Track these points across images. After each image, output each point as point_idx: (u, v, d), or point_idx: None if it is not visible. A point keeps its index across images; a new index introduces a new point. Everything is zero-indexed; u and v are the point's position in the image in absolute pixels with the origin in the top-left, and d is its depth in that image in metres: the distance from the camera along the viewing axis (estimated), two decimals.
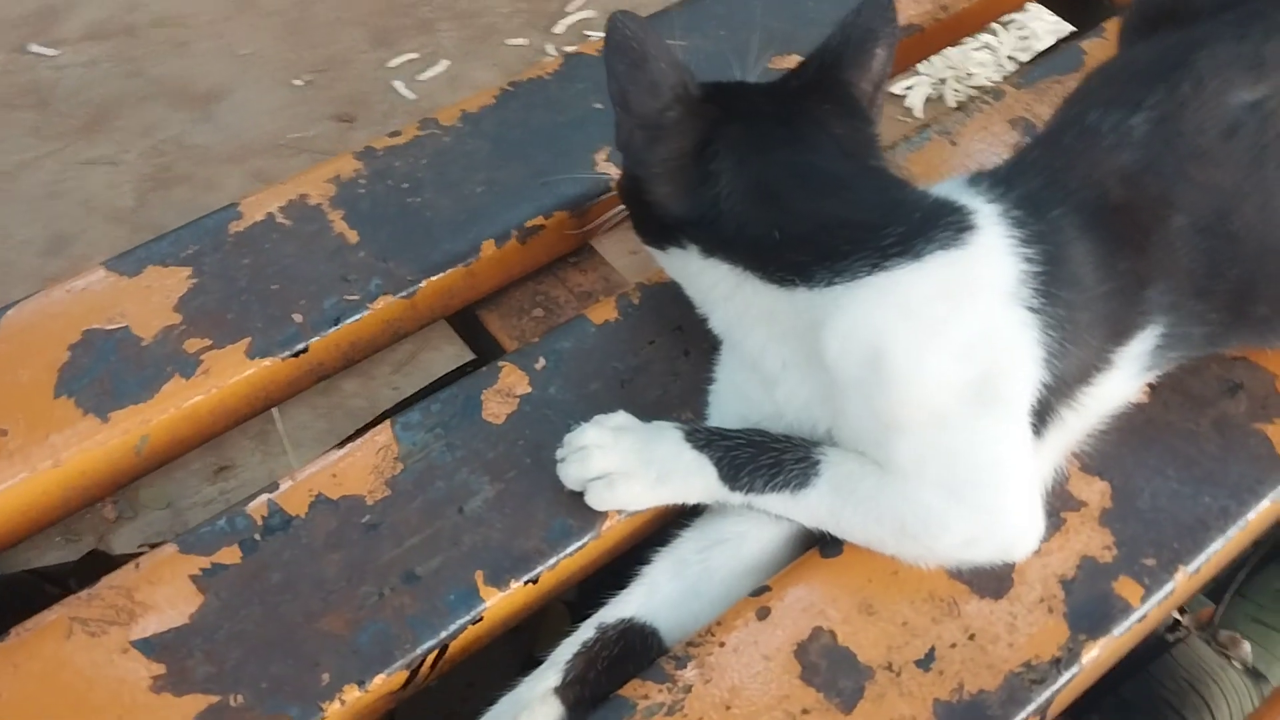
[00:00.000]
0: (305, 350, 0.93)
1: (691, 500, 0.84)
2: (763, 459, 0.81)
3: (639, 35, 0.83)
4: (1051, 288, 0.81)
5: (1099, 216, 0.85)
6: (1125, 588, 0.82)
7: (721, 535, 0.85)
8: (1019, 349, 0.80)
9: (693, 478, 0.82)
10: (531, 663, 0.97)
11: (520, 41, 2.48)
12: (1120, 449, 0.89)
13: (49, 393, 0.89)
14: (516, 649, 0.98)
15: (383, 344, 0.99)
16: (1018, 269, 0.81)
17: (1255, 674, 1.15)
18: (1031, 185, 0.86)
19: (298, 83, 2.38)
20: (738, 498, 0.82)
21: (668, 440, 0.83)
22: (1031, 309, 0.80)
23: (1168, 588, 0.83)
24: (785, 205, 0.82)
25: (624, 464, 0.83)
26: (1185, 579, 0.84)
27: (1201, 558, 0.84)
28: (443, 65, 2.42)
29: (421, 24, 2.51)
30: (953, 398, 0.78)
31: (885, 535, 0.81)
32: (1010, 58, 2.43)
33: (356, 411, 1.81)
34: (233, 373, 0.91)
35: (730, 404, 0.88)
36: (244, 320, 0.94)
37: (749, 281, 0.83)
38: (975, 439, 0.79)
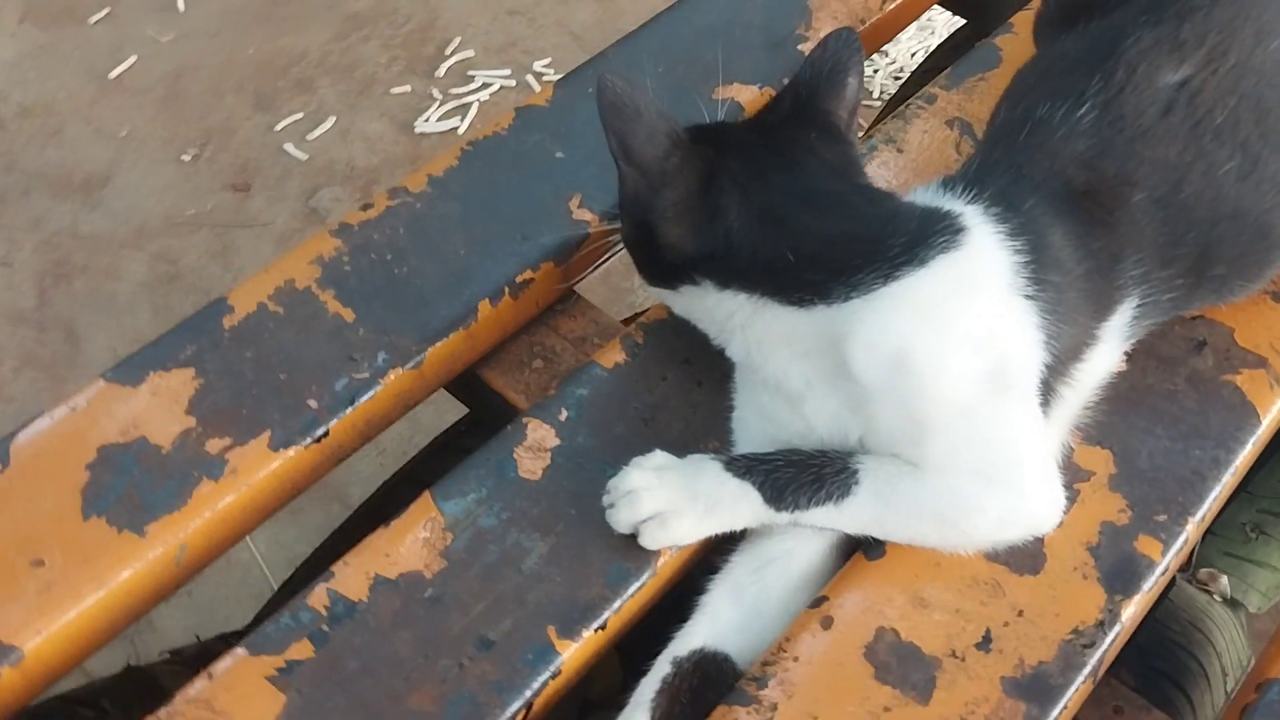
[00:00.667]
0: (326, 434, 0.94)
1: (739, 526, 0.87)
2: (804, 477, 0.85)
3: (629, 91, 0.86)
4: (1040, 274, 0.87)
5: (1067, 203, 0.92)
6: (1146, 545, 0.89)
7: (770, 555, 0.89)
8: (1023, 335, 0.86)
9: (739, 505, 0.85)
10: (589, 707, 0.99)
11: (404, 89, 2.48)
12: (1113, 417, 0.95)
13: (77, 516, 0.87)
14: (572, 696, 0.99)
15: (395, 417, 1.00)
16: (1010, 261, 0.87)
17: (1234, 603, 1.23)
18: (1001, 183, 0.92)
19: (184, 158, 2.34)
20: (784, 517, 0.85)
21: (709, 472, 0.86)
22: (1028, 296, 0.86)
23: (1182, 539, 0.90)
24: (794, 228, 0.86)
25: (672, 502, 0.85)
26: (1195, 528, 0.91)
27: (1205, 506, 0.92)
28: (330, 121, 2.40)
29: (300, 83, 2.49)
30: (974, 389, 0.83)
31: (926, 529, 0.86)
32: (912, 54, 2.55)
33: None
34: (260, 467, 0.91)
35: (756, 428, 0.92)
36: (260, 413, 0.93)
37: (767, 307, 0.87)
38: (998, 425, 0.85)
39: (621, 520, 0.86)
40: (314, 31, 2.59)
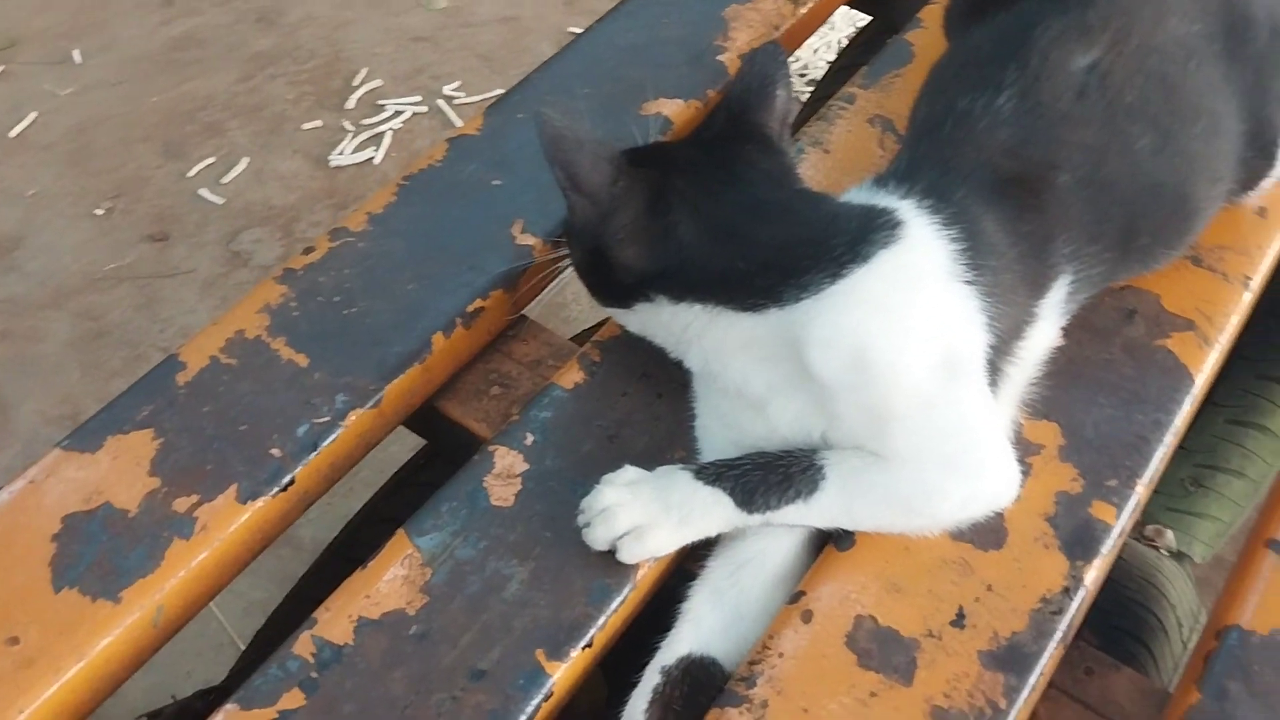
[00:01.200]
0: (293, 482, 0.94)
1: (714, 532, 0.89)
2: (772, 477, 0.87)
3: (566, 124, 0.88)
4: (977, 259, 0.90)
5: (996, 190, 0.95)
6: (1100, 510, 0.93)
7: (746, 556, 0.91)
8: (967, 319, 0.89)
9: (712, 511, 0.87)
10: None
11: (315, 124, 2.46)
12: (1056, 391, 0.99)
13: (48, 589, 0.86)
14: (561, 715, 1.00)
15: (358, 458, 1.00)
16: (947, 249, 0.90)
17: (1180, 556, 1.29)
18: (931, 176, 0.96)
19: (98, 212, 2.30)
20: (757, 519, 0.88)
21: (680, 482, 0.88)
22: (967, 281, 0.89)
23: (1133, 501, 0.94)
24: (743, 237, 0.89)
25: (646, 515, 0.87)
26: (1144, 489, 0.95)
27: (1151, 467, 0.96)
28: (243, 163, 2.38)
29: (209, 128, 2.46)
30: (929, 377, 0.86)
31: (894, 516, 0.89)
32: (815, 50, 2.60)
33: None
34: (230, 521, 0.91)
35: (720, 435, 0.94)
36: (225, 467, 0.93)
37: (723, 315, 0.89)
38: (955, 410, 0.88)
39: (598, 538, 0.88)
40: (219, 74, 2.56)
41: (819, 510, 0.88)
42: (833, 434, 0.89)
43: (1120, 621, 1.08)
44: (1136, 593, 1.11)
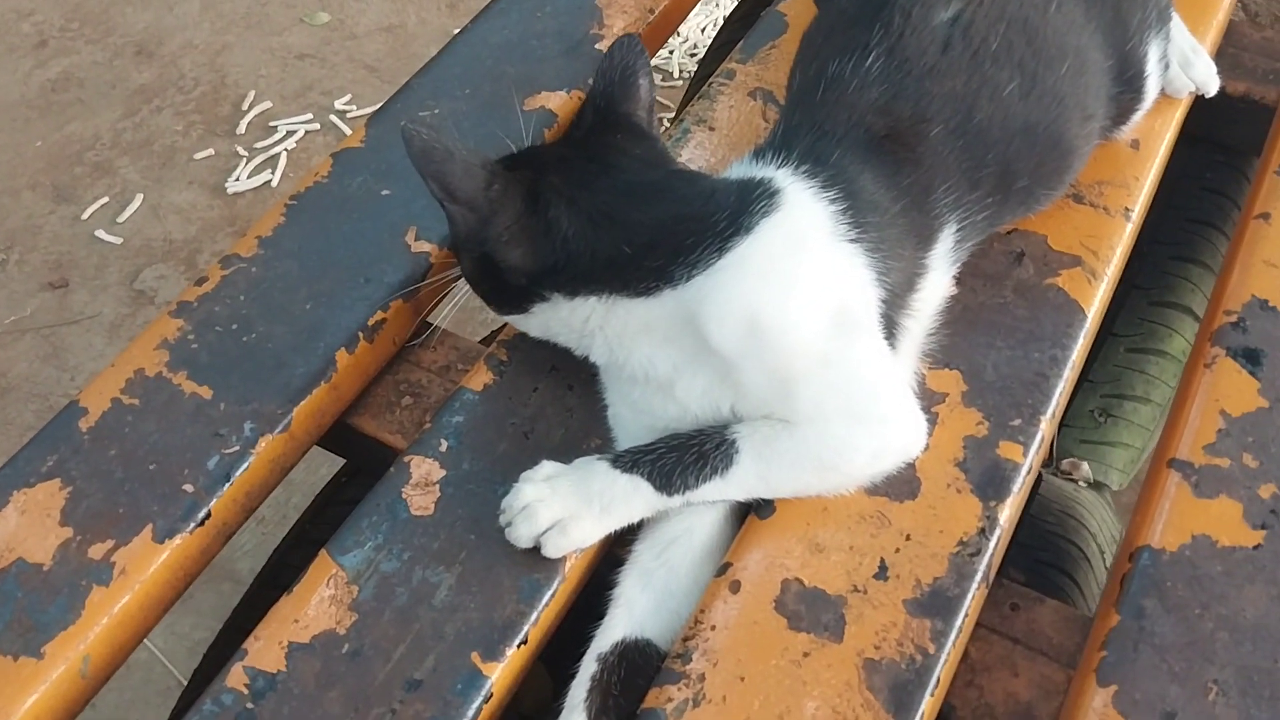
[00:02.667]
0: (209, 515, 0.93)
1: (636, 518, 0.90)
2: (687, 458, 0.88)
3: (433, 136, 0.88)
4: (859, 218, 0.92)
5: (871, 148, 0.97)
6: (1008, 450, 0.95)
7: (671, 535, 0.92)
8: (855, 276, 0.91)
9: (633, 498, 0.88)
10: None
11: (208, 152, 2.42)
12: (954, 339, 1.01)
13: None
14: (506, 714, 1.01)
15: (273, 484, 0.99)
16: (828, 211, 0.92)
17: (1098, 485, 1.32)
18: (806, 142, 0.97)
19: None
20: (677, 500, 0.89)
21: (598, 472, 0.88)
22: (852, 240, 0.91)
23: (1038, 438, 0.96)
24: (624, 221, 0.89)
25: (567, 508, 0.88)
26: (1048, 424, 0.97)
27: (1053, 403, 0.98)
28: (138, 200, 2.34)
29: (97, 167, 2.41)
30: (823, 336, 0.88)
31: (809, 477, 0.91)
32: (703, 30, 2.61)
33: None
34: (149, 562, 0.90)
35: (633, 421, 0.94)
36: (137, 508, 0.92)
37: (618, 304, 0.90)
38: (853, 365, 0.90)
39: (522, 536, 0.88)
40: (101, 112, 2.51)
41: (737, 483, 0.89)
42: (741, 405, 0.90)
43: (1043, 555, 1.11)
44: (1056, 525, 1.14)
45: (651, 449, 0.89)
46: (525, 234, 0.90)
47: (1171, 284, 1.35)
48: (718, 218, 0.89)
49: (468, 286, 1.00)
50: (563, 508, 0.88)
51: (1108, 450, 1.33)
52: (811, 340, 0.88)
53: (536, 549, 0.89)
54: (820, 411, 0.89)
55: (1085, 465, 1.30)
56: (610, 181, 0.92)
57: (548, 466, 0.90)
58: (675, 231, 0.89)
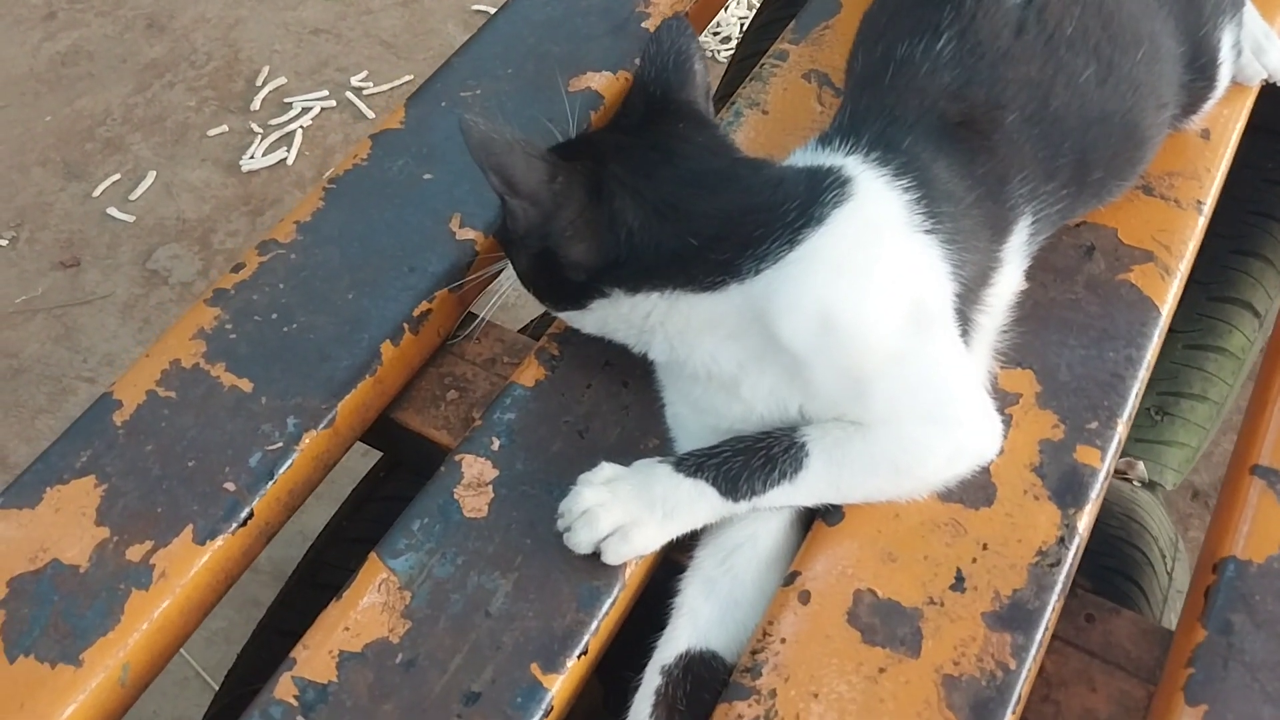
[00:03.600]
0: (251, 515, 0.89)
1: (700, 524, 0.86)
2: (754, 462, 0.84)
3: (493, 128, 0.83)
4: (934, 207, 0.88)
5: (944, 135, 0.93)
6: (1085, 454, 0.91)
7: (735, 542, 0.87)
8: (930, 268, 0.87)
9: (697, 504, 0.84)
10: None
11: (221, 129, 2.37)
12: (1027, 337, 0.97)
13: (2, 659, 0.80)
14: None
15: (316, 482, 0.95)
16: (902, 200, 0.87)
17: (1152, 485, 1.29)
18: (875, 128, 0.93)
19: (1, 243, 2.19)
20: (743, 506, 0.84)
21: (661, 476, 0.84)
22: (927, 231, 0.87)
23: (1115, 441, 0.92)
24: (690, 213, 0.85)
25: (629, 513, 0.84)
26: (1123, 427, 0.93)
27: (1129, 404, 0.94)
28: (150, 177, 2.29)
29: (110, 143, 2.36)
30: (899, 333, 0.84)
31: (882, 482, 0.87)
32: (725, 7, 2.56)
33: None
34: (189, 565, 0.85)
35: (694, 422, 0.90)
36: (177, 508, 0.88)
37: (682, 299, 0.85)
38: (929, 363, 0.86)
39: (582, 541, 0.84)
40: (112, 87, 2.45)
41: (806, 488, 0.85)
42: (810, 406, 0.86)
43: (1108, 561, 1.07)
44: (1119, 529, 1.10)
45: (716, 452, 0.85)
46: (589, 228, 0.86)
47: (1231, 279, 1.31)
48: (787, 208, 0.85)
49: (510, 282, 0.96)
50: (624, 513, 0.84)
51: (1163, 450, 1.29)
52: (887, 337, 0.84)
53: (595, 555, 0.85)
54: (894, 412, 0.85)
55: (1141, 465, 1.27)
56: (674, 171, 0.88)
57: (607, 469, 0.86)
58: (743, 223, 0.85)
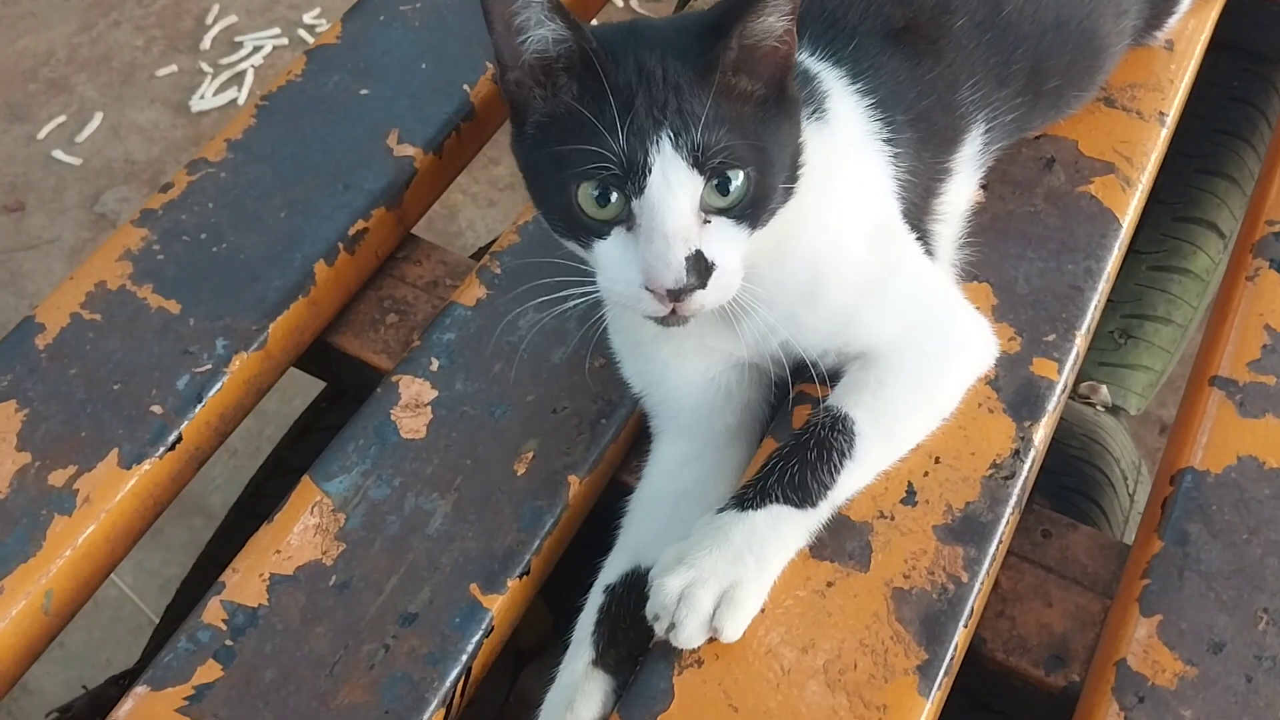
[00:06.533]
0: (180, 439, 0.85)
1: (794, 552, 0.78)
2: (808, 455, 0.78)
3: None
4: (887, 114, 0.84)
5: (890, 40, 0.89)
6: (1042, 367, 0.89)
7: (682, 459, 0.85)
8: (885, 184, 0.84)
9: (781, 530, 0.77)
10: (522, 658, 0.95)
11: (170, 69, 2.30)
12: (984, 250, 0.94)
13: None
14: (504, 650, 0.95)
15: (249, 406, 0.92)
16: (860, 107, 0.84)
17: (1116, 409, 1.27)
18: (815, 29, 0.88)
19: None
20: (824, 510, 0.79)
21: (730, 524, 0.77)
22: (885, 140, 0.84)
23: (1073, 354, 0.90)
24: None
25: (724, 577, 0.75)
26: (1082, 340, 0.91)
27: (1088, 317, 0.92)
28: (97, 119, 2.22)
29: (54, 84, 2.29)
30: (868, 260, 0.81)
31: (924, 412, 0.84)
32: None
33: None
34: (115, 490, 0.82)
35: (679, 376, 0.85)
36: (101, 432, 0.84)
37: None
38: (912, 278, 0.84)
39: (693, 632, 0.73)
40: (55, 26, 2.37)
41: (868, 459, 0.80)
42: (799, 338, 0.81)
43: (1068, 481, 1.05)
44: (1080, 450, 1.08)
45: (768, 468, 0.78)
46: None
47: (1196, 198, 1.29)
48: None
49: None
50: (718, 580, 0.75)
51: (1127, 373, 1.27)
52: (858, 266, 0.81)
53: (536, 473, 0.82)
54: (903, 330, 0.82)
55: (1104, 389, 1.25)
56: None
57: (670, 551, 0.77)
58: None
